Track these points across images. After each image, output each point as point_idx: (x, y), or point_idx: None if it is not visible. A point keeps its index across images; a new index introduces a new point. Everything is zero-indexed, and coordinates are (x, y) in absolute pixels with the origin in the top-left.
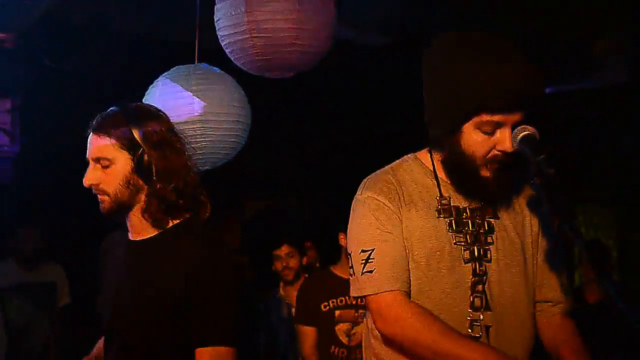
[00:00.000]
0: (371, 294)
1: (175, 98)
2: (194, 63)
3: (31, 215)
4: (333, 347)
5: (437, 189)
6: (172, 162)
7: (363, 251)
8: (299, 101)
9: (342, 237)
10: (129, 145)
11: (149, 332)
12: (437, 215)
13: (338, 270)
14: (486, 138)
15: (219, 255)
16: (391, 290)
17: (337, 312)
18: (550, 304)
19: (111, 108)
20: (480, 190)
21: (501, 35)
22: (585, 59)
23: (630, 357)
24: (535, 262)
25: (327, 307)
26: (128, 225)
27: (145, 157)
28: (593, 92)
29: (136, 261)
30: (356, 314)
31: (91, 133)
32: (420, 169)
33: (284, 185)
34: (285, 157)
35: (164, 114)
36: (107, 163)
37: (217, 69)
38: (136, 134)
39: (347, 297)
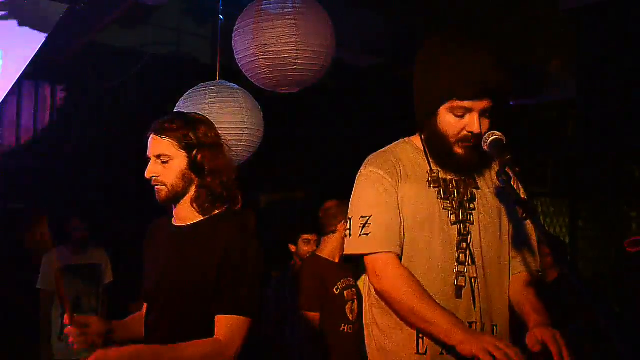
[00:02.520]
0: (367, 254)
1: (192, 109)
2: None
3: (80, 207)
4: (342, 325)
5: (427, 164)
6: (219, 161)
7: (362, 217)
8: (306, 110)
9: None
10: (186, 146)
11: (187, 301)
12: (427, 186)
13: (325, 254)
14: (457, 120)
15: (248, 239)
16: (385, 252)
17: (345, 293)
18: (514, 272)
19: (170, 115)
20: (454, 163)
21: (479, 39)
22: (541, 76)
23: (581, 326)
24: (505, 237)
25: (338, 290)
26: (175, 212)
27: (199, 156)
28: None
29: (182, 243)
30: (353, 291)
31: (152, 134)
32: (412, 149)
33: (293, 180)
34: (294, 157)
35: (210, 120)
36: (166, 159)
37: (233, 84)
38: (191, 136)
39: (348, 278)
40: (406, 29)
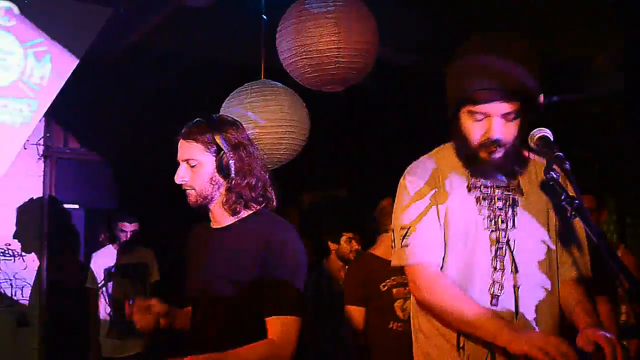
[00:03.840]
0: (408, 265)
1: (235, 109)
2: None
3: (128, 210)
4: (391, 322)
5: (467, 170)
6: (247, 163)
7: (402, 228)
8: (350, 109)
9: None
10: (213, 149)
11: (230, 302)
12: (467, 193)
13: (378, 252)
14: (477, 124)
15: (288, 238)
16: (424, 262)
17: (394, 290)
18: (563, 275)
19: (197, 119)
20: (480, 169)
21: (508, 39)
22: (587, 71)
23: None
24: (553, 237)
25: (386, 287)
26: (210, 215)
27: (226, 158)
28: (595, 98)
29: (218, 244)
30: (405, 290)
31: (181, 139)
32: (452, 154)
33: (336, 178)
34: (337, 155)
35: (240, 122)
36: (195, 163)
37: (277, 83)
38: (218, 140)
39: (402, 276)
40: (447, 25)
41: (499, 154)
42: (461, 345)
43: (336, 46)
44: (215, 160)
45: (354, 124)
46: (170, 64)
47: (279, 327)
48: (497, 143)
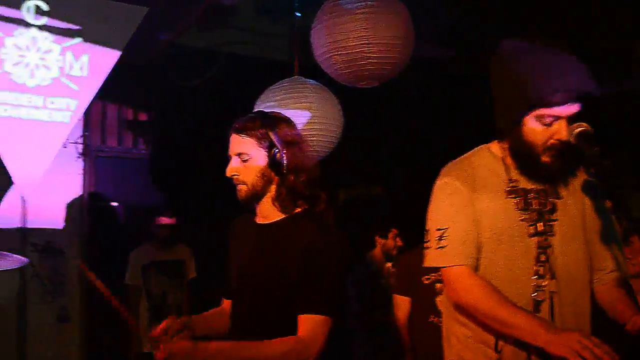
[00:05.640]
0: (443, 267)
1: (266, 106)
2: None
3: (165, 207)
4: (432, 316)
5: (505, 173)
6: (299, 159)
7: (438, 229)
8: (385, 105)
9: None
10: (266, 144)
11: (268, 299)
12: (506, 197)
13: None
14: (545, 129)
15: (331, 240)
16: (460, 265)
17: (437, 285)
18: (604, 271)
19: (250, 114)
20: (541, 173)
21: (555, 41)
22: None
23: None
24: (592, 237)
25: (429, 280)
26: (257, 210)
27: (278, 154)
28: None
29: (264, 240)
30: None
31: (233, 133)
32: (491, 157)
33: (371, 176)
34: (373, 152)
35: (291, 119)
36: (246, 157)
37: (309, 80)
38: (271, 135)
39: None
40: (478, 19)
41: (559, 156)
42: (499, 349)
43: (367, 42)
44: (268, 156)
45: (390, 120)
46: (206, 61)
47: (308, 325)
48: (562, 146)
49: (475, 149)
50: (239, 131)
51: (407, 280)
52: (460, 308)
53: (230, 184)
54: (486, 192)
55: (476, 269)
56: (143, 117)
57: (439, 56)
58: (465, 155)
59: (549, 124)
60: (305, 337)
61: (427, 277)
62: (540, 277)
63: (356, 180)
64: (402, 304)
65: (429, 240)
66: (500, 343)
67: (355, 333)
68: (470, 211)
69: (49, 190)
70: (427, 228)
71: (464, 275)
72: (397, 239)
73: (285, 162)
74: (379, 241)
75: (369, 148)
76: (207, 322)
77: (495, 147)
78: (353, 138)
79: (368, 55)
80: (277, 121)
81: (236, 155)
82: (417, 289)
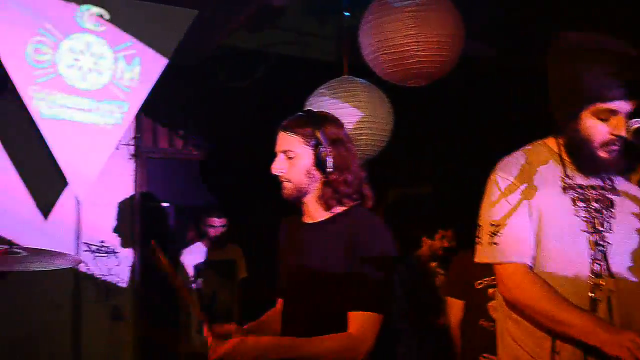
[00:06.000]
0: (496, 263)
1: (327, 105)
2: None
3: (215, 207)
4: (482, 320)
5: (562, 169)
6: (345, 158)
7: (492, 225)
8: (433, 103)
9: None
10: (312, 142)
11: (318, 297)
12: (562, 193)
13: None
14: (602, 124)
15: (378, 236)
16: (514, 262)
17: (490, 290)
18: None
19: (298, 113)
20: (598, 169)
21: (613, 36)
22: None
23: None
24: None
25: (481, 284)
26: (304, 209)
27: (324, 153)
28: None
29: (311, 239)
30: None
31: (280, 131)
32: (547, 152)
33: (420, 175)
34: (422, 151)
35: (338, 118)
36: (292, 155)
37: (359, 79)
38: (318, 134)
39: None
40: (524, 16)
41: (616, 152)
42: (557, 350)
43: (414, 40)
44: (313, 154)
45: (439, 119)
46: (255, 63)
47: (358, 322)
48: (620, 141)
49: (531, 144)
50: (286, 129)
51: (460, 283)
52: (515, 306)
53: (278, 184)
54: (542, 188)
55: (531, 266)
56: (193, 119)
57: (487, 53)
58: (520, 150)
59: (606, 120)
60: (355, 333)
61: (479, 281)
62: (598, 275)
63: (405, 180)
64: (455, 307)
65: (480, 236)
66: (557, 342)
67: (401, 333)
68: (525, 207)
69: (102, 192)
70: (479, 223)
71: (518, 273)
72: (444, 240)
73: (330, 160)
74: (426, 241)
75: (418, 147)
76: (263, 327)
77: (551, 143)
78: (402, 137)
79: (416, 54)
80: (324, 120)
81: (282, 152)
82: (469, 292)
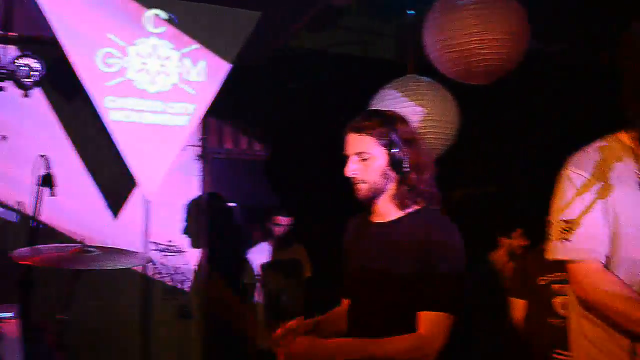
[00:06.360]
0: (568, 261)
1: (392, 104)
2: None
3: (281, 207)
4: (550, 318)
5: (636, 164)
6: (419, 158)
7: (564, 221)
8: (498, 101)
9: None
10: (386, 143)
11: (388, 296)
12: (638, 188)
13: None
14: None
15: (450, 237)
16: (587, 259)
17: (554, 286)
18: None
19: (367, 113)
20: None
21: None
22: None
23: None
24: None
25: (545, 281)
26: (374, 209)
27: (399, 152)
28: None
29: (382, 238)
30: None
31: (350, 133)
32: (620, 147)
33: (485, 174)
34: (485, 150)
35: (406, 117)
36: (366, 156)
37: (423, 78)
38: (391, 134)
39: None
40: (590, 10)
41: None
42: (637, 352)
43: (479, 37)
44: (388, 154)
45: (504, 117)
46: (320, 63)
47: (429, 322)
48: None
49: (602, 139)
50: (358, 130)
51: (522, 281)
52: (590, 306)
53: (345, 183)
54: (617, 184)
55: (605, 264)
56: (258, 119)
57: (553, 48)
58: (592, 145)
59: None
60: (426, 334)
61: (543, 278)
62: None
63: (469, 179)
64: (518, 307)
65: (552, 233)
66: (637, 345)
67: (472, 334)
68: (600, 205)
69: (170, 192)
70: (550, 219)
71: (593, 271)
72: (522, 239)
73: (406, 160)
74: (504, 241)
75: (482, 145)
76: (330, 323)
77: (624, 137)
78: (466, 135)
79: (480, 51)
80: (396, 119)
81: (355, 154)
82: (533, 290)
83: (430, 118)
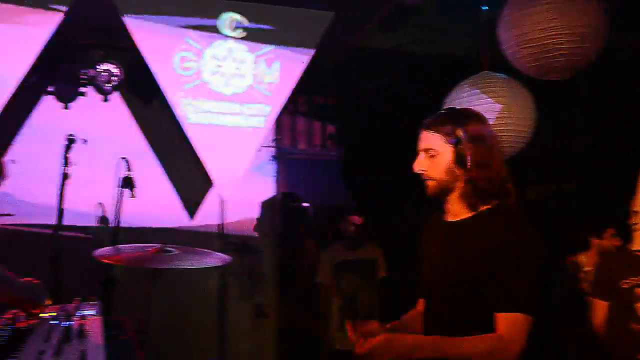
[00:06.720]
0: None
1: (467, 102)
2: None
3: (354, 206)
4: (632, 322)
5: None
6: (486, 156)
7: None
8: (575, 96)
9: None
10: (452, 140)
11: (461, 296)
12: None
13: (635, 248)
14: None
15: (525, 236)
16: None
17: (637, 290)
18: None
19: (441, 110)
20: None
21: None
22: None
23: None
24: None
25: (629, 284)
26: (446, 208)
27: (465, 150)
28: None
29: (453, 238)
30: None
31: (423, 130)
32: None
33: (562, 171)
34: (562, 147)
35: (482, 115)
36: (434, 153)
37: (499, 74)
38: (458, 131)
39: None
40: None
41: None
42: None
43: (554, 33)
44: (454, 151)
45: (583, 112)
46: (393, 62)
47: (508, 323)
48: None
49: None
50: (428, 127)
51: (605, 283)
52: None
53: (419, 182)
54: None
55: None
56: (331, 120)
57: (633, 42)
58: None
59: None
60: (505, 335)
61: (626, 281)
62: None
63: (545, 177)
64: (599, 309)
65: (637, 222)
66: None
67: (554, 337)
68: None
69: (246, 192)
70: (634, 209)
71: None
72: (615, 238)
73: (470, 157)
74: (594, 242)
75: (561, 142)
76: (406, 327)
77: None
78: (543, 132)
79: (557, 46)
80: (466, 117)
81: (423, 150)
82: (615, 293)
83: (506, 115)
